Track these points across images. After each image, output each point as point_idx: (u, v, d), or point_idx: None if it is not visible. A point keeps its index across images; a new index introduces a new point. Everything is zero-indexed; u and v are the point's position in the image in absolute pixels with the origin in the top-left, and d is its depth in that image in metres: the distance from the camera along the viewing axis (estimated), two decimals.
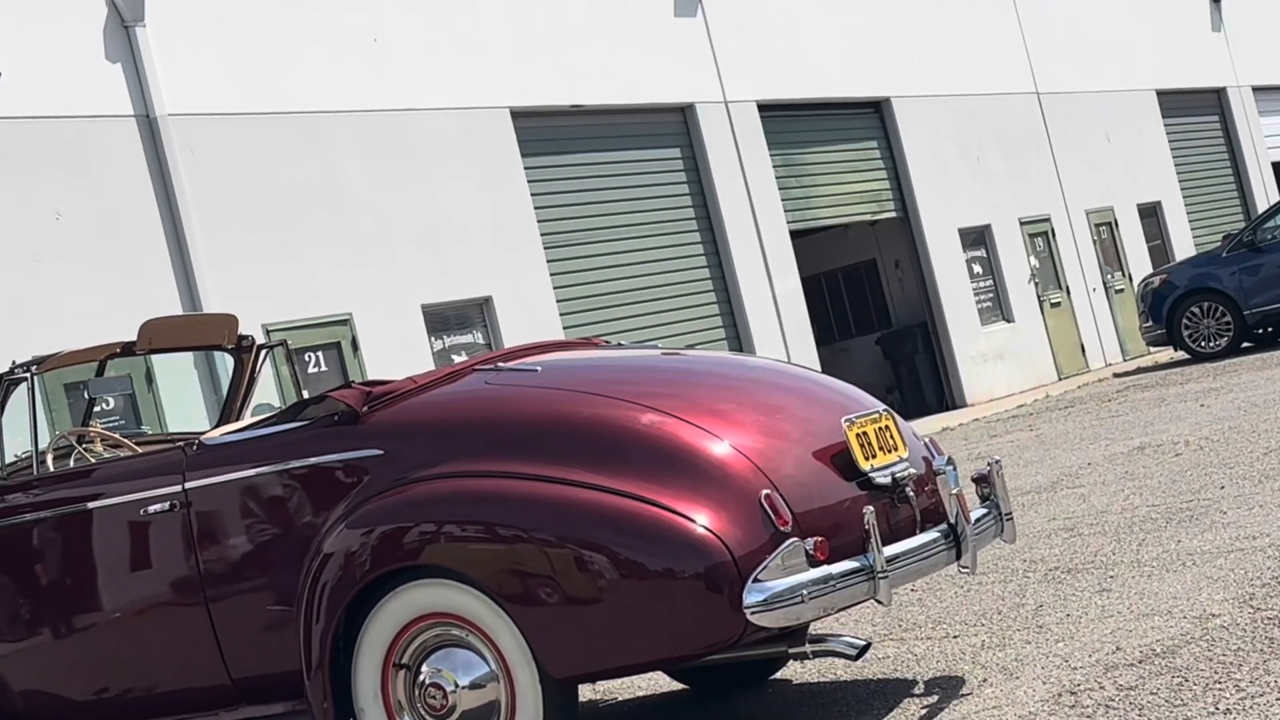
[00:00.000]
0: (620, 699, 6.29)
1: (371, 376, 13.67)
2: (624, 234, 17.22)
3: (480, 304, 15.65)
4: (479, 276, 15.57)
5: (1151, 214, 25.33)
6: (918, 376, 21.02)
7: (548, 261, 16.25)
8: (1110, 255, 24.09)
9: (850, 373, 19.01)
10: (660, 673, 6.21)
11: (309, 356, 14.01)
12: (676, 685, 6.22)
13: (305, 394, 6.90)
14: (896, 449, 5.17)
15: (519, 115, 16.33)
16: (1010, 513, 5.49)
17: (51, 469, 5.95)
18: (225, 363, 12.38)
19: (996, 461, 5.53)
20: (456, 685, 4.81)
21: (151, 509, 5.39)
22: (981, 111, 22.34)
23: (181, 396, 12.95)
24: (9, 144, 12.64)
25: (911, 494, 5.09)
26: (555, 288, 16.25)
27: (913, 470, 5.15)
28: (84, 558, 5.62)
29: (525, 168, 16.28)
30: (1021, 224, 22.40)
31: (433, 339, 15.12)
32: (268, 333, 13.29)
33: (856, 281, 22.56)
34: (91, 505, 5.60)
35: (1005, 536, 5.50)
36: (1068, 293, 22.86)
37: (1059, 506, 8.84)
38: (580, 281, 16.64)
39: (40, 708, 5.73)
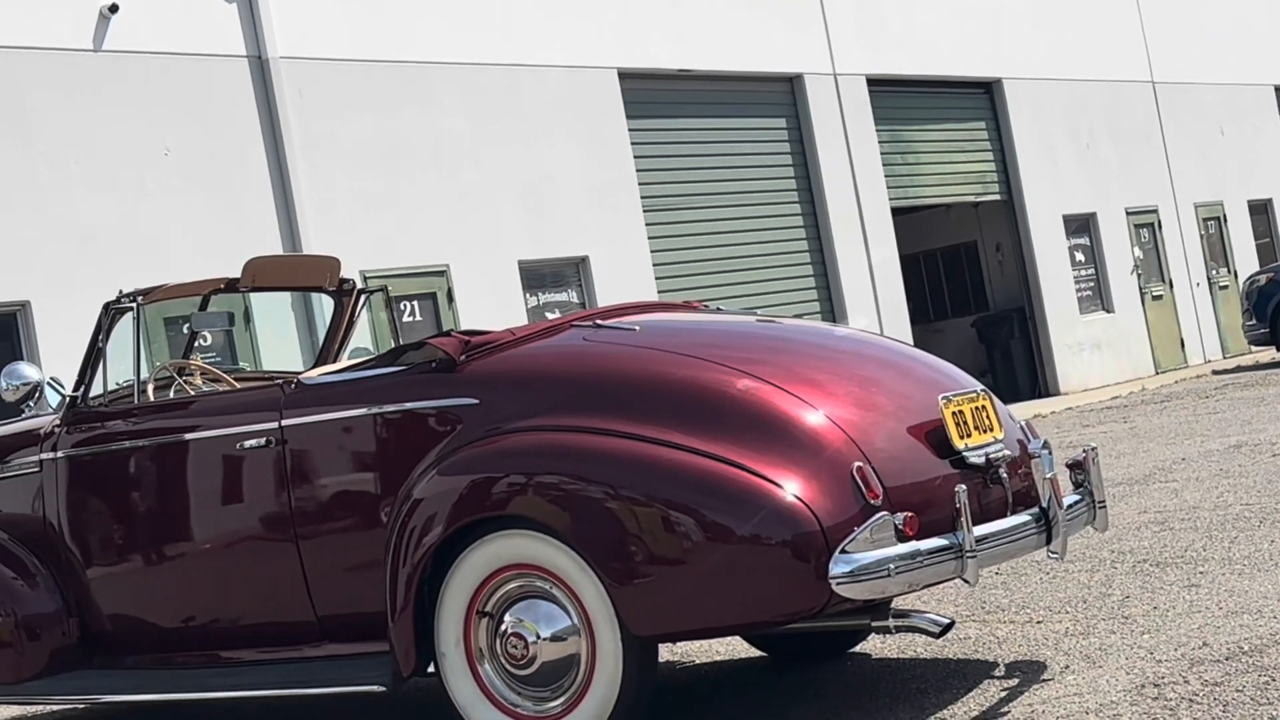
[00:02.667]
0: (698, 663, 6.30)
1: (466, 328, 13.74)
2: (724, 200, 17.18)
3: (577, 263, 15.68)
4: (577, 235, 15.60)
5: (1262, 211, 24.90)
6: (1011, 362, 20.84)
7: (646, 224, 16.25)
8: (1217, 250, 23.72)
9: (944, 354, 18.80)
10: (740, 639, 6.21)
11: (404, 305, 14.11)
12: (755, 652, 6.22)
13: (401, 340, 6.93)
14: (992, 429, 5.12)
15: (626, 77, 16.32)
16: (1104, 501, 5.41)
17: (152, 399, 6.04)
18: (323, 306, 12.50)
19: (1092, 449, 5.46)
20: (538, 636, 4.83)
21: (247, 444, 5.45)
22: (1094, 98, 22.04)
23: (278, 337, 13.11)
24: (123, 77, 12.81)
25: (1004, 475, 5.04)
26: (652, 250, 16.25)
27: (1007, 452, 5.09)
28: (178, 488, 5.70)
29: (629, 130, 16.27)
30: (1128, 214, 22.10)
31: (527, 295, 15.17)
32: (365, 279, 13.40)
33: (956, 263, 22.37)
34: (189, 437, 5.68)
35: (1097, 524, 5.44)
36: (1170, 286, 22.54)
37: (1150, 500, 8.74)
38: (678, 246, 16.63)
39: (128, 631, 5.83)
